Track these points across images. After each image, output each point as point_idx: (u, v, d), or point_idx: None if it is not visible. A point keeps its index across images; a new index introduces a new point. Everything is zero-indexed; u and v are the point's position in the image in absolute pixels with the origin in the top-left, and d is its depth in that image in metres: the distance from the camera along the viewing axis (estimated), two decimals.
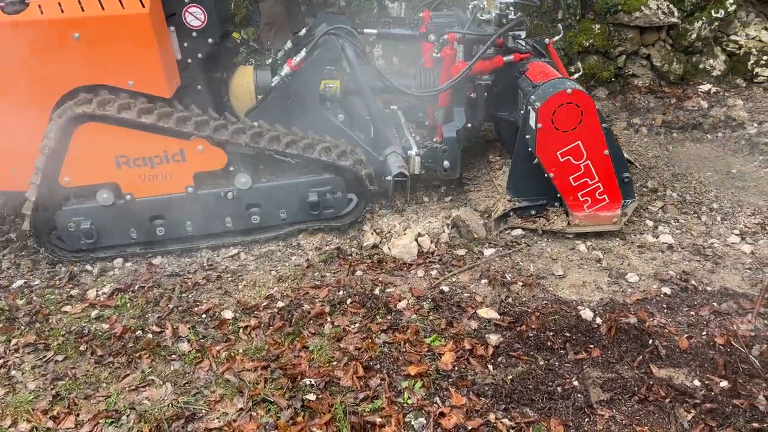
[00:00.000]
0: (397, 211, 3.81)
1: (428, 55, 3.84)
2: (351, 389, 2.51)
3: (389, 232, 3.53)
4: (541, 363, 2.64)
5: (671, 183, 4.17)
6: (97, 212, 3.31)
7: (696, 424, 2.33)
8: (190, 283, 3.26)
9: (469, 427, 2.32)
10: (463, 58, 3.57)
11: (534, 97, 3.35)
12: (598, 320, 2.89)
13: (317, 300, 3.07)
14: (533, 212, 3.65)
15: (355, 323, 2.90)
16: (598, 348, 2.72)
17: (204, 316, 3.01)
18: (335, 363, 2.66)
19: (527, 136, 3.44)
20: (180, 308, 3.07)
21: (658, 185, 4.12)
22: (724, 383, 2.52)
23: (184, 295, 3.18)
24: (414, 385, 2.53)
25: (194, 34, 3.32)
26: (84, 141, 3.16)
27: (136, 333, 2.90)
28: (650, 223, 3.77)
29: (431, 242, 3.49)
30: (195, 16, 3.30)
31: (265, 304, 3.07)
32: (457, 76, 3.47)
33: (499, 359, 2.66)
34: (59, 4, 3.00)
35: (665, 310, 2.99)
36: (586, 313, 2.92)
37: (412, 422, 2.36)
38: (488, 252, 3.46)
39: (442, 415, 2.37)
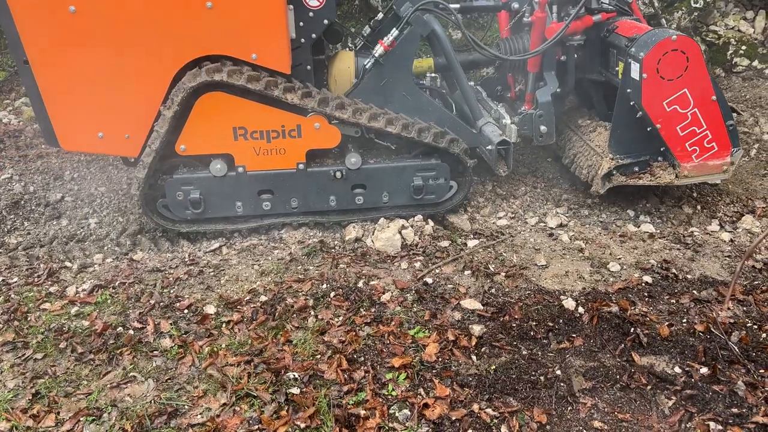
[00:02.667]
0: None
1: (506, 26, 3.93)
2: (335, 382, 2.50)
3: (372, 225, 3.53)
4: (524, 353, 2.66)
5: None
6: (208, 183, 3.34)
7: (676, 410, 2.36)
8: (171, 279, 3.22)
9: (453, 418, 2.32)
10: (557, 20, 3.62)
11: (635, 49, 3.31)
12: (581, 309, 2.91)
13: (300, 293, 3.05)
14: (636, 169, 3.60)
15: (339, 316, 2.89)
16: (580, 337, 2.74)
17: (186, 311, 2.98)
18: (319, 356, 2.65)
19: (628, 90, 3.40)
20: (162, 304, 3.03)
21: None
22: (704, 370, 2.55)
23: (165, 290, 3.14)
24: (398, 377, 2.52)
25: (311, 14, 3.31)
26: (207, 109, 3.19)
27: (117, 329, 2.87)
28: (631, 213, 3.80)
29: (415, 234, 3.49)
30: None
31: (247, 298, 3.04)
32: (555, 34, 3.49)
33: (483, 349, 2.67)
34: None
35: (646, 299, 3.02)
36: (569, 303, 2.94)
37: (397, 414, 2.36)
38: (472, 243, 3.47)
39: (426, 406, 2.37)
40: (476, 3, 3.98)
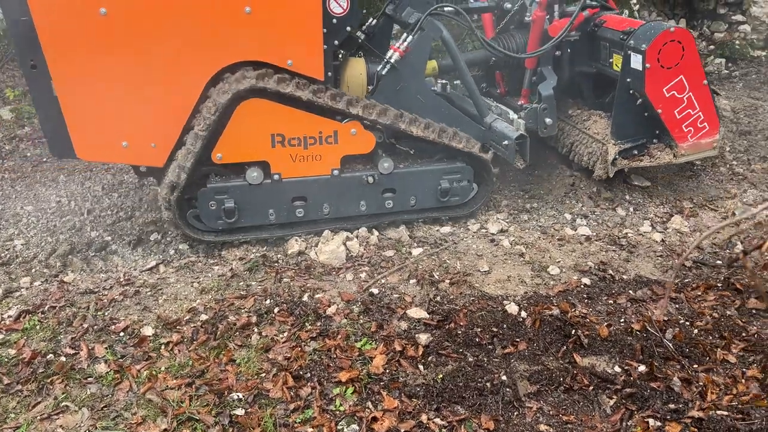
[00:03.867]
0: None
1: (491, 26, 4.17)
2: (281, 401, 2.45)
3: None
4: (470, 360, 2.67)
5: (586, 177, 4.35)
6: (243, 191, 3.28)
7: (617, 408, 2.42)
8: (106, 300, 3.08)
9: (402, 430, 2.31)
10: (558, 17, 3.89)
11: (634, 41, 3.58)
12: (524, 314, 2.96)
13: (243, 310, 2.98)
14: (636, 152, 3.86)
15: (284, 332, 2.83)
16: (524, 341, 2.78)
17: (122, 334, 2.86)
18: (264, 375, 2.58)
19: (628, 80, 3.66)
20: (96, 327, 2.89)
21: (575, 180, 4.28)
22: (642, 368, 2.63)
23: (99, 313, 3.00)
24: (345, 392, 2.49)
25: (335, 20, 3.28)
26: (247, 116, 3.14)
27: (47, 357, 2.71)
28: (568, 216, 3.91)
29: (360, 245, 3.47)
30: (339, 3, 3.28)
31: (187, 317, 2.94)
32: (563, 30, 3.74)
33: (430, 359, 2.67)
34: None
35: (586, 300, 3.10)
36: (512, 308, 2.98)
37: (345, 430, 2.32)
38: (416, 252, 3.47)
39: (374, 419, 2.35)
40: (471, 5, 4.12)
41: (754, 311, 2.99)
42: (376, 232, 3.60)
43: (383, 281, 3.22)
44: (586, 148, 4.00)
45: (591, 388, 2.52)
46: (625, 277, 3.30)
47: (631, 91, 3.70)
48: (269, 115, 3.18)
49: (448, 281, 3.21)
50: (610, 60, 3.83)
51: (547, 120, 3.83)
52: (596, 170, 3.90)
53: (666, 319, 2.93)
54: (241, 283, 3.20)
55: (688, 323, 2.91)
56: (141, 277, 3.29)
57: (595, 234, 3.72)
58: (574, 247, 3.57)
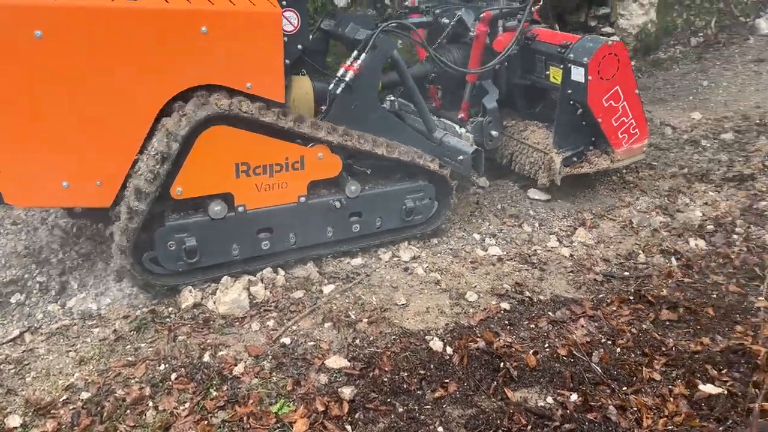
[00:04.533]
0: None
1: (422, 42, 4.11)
2: None
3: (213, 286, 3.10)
4: (401, 410, 2.45)
5: (490, 194, 4.30)
6: (205, 227, 3.00)
7: None
8: None
9: None
10: (502, 31, 4.03)
11: (574, 55, 3.78)
12: (449, 350, 2.78)
13: (133, 381, 2.55)
14: (575, 159, 4.05)
15: (185, 403, 2.44)
16: (453, 381, 2.61)
17: None
18: None
19: (569, 91, 3.86)
20: None
21: (479, 197, 4.21)
22: (574, 396, 2.54)
23: None
24: None
25: (285, 39, 3.08)
26: (209, 146, 2.88)
27: None
28: (477, 237, 3.82)
29: (265, 289, 3.13)
30: (289, 21, 3.18)
31: (64, 397, 2.47)
32: (511, 43, 3.91)
33: (357, 416, 2.41)
34: None
35: (508, 327, 2.99)
36: (436, 344, 2.80)
37: None
38: (327, 289, 3.20)
39: None
40: (412, 20, 4.16)
41: (667, 323, 3.02)
42: (282, 272, 3.28)
43: (294, 328, 2.92)
44: (527, 157, 4.15)
45: (530, 427, 2.38)
46: (542, 297, 3.23)
47: (572, 102, 3.90)
48: (234, 143, 2.95)
49: (365, 320, 2.97)
50: (547, 72, 4.01)
51: (493, 132, 4.02)
52: (540, 179, 4.07)
53: (588, 339, 2.89)
54: (128, 347, 2.76)
55: (610, 342, 2.88)
56: (1, 352, 2.74)
57: (505, 253, 3.65)
58: (488, 269, 3.47)
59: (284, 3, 3.11)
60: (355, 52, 3.38)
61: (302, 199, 3.21)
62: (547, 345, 2.86)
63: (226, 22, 2.80)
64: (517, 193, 4.27)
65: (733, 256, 3.58)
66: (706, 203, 4.19)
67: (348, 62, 3.36)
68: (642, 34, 6.90)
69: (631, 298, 3.22)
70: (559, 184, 4.03)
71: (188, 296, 3.02)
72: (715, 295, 3.24)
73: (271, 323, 2.93)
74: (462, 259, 3.57)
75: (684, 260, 3.58)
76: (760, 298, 3.22)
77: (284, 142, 3.08)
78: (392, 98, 3.88)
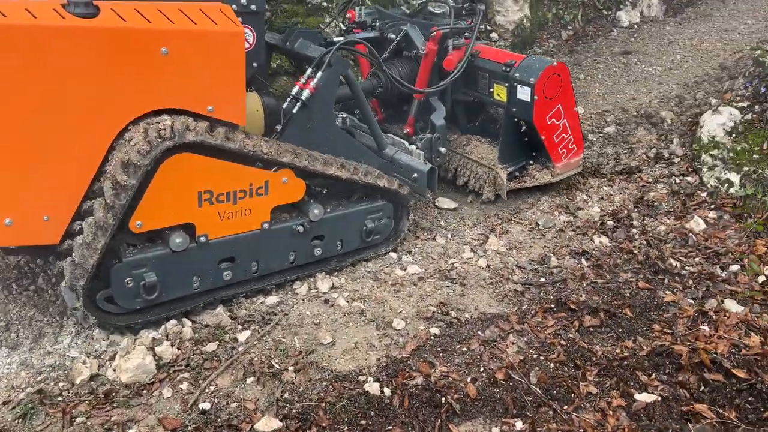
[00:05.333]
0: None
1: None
2: None
3: (110, 351, 2.70)
4: None
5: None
6: (165, 260, 2.83)
7: None
8: None
9: None
10: (451, 50, 4.05)
11: (520, 74, 3.87)
12: (387, 391, 2.62)
13: None
14: (517, 174, 4.18)
15: None
16: (397, 427, 2.45)
17: None
18: None
19: (514, 110, 3.95)
20: None
21: None
22: (519, 424, 2.49)
23: None
24: None
25: None
26: (172, 175, 2.70)
27: None
28: (394, 255, 3.68)
29: (172, 346, 2.78)
30: (245, 38, 2.94)
31: None
32: (463, 62, 3.97)
33: None
34: (139, 12, 2.55)
35: (441, 354, 2.88)
36: (373, 387, 2.62)
37: None
38: (243, 336, 2.91)
39: None
40: (360, 35, 4.12)
41: (591, 329, 3.07)
42: (188, 323, 2.94)
43: (212, 388, 2.61)
44: (472, 172, 4.23)
45: None
46: (468, 316, 3.16)
47: (516, 120, 3.99)
48: (197, 170, 2.79)
49: (291, 368, 2.72)
50: (491, 90, 4.10)
51: (441, 149, 4.02)
52: (484, 194, 4.17)
53: (522, 358, 2.85)
54: None
55: (543, 357, 2.86)
56: None
57: (424, 270, 3.54)
58: (410, 290, 3.35)
59: (240, 20, 2.91)
60: (309, 70, 3.29)
61: (265, 226, 3.10)
62: (483, 370, 2.79)
63: (187, 43, 2.64)
64: (425, 204, 4.19)
65: (635, 251, 3.74)
66: (602, 198, 4.36)
67: (303, 80, 3.26)
68: (518, 30, 7.10)
69: (553, 306, 3.24)
70: (506, 199, 4.14)
71: (82, 368, 2.59)
72: (628, 294, 3.35)
73: (184, 386, 2.60)
74: (383, 282, 3.41)
75: (593, 260, 3.67)
76: (668, 292, 3.37)
77: (248, 168, 2.97)
78: (344, 115, 3.72)
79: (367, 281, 3.41)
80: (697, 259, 3.68)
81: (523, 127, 4.06)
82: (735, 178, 4.13)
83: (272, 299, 3.18)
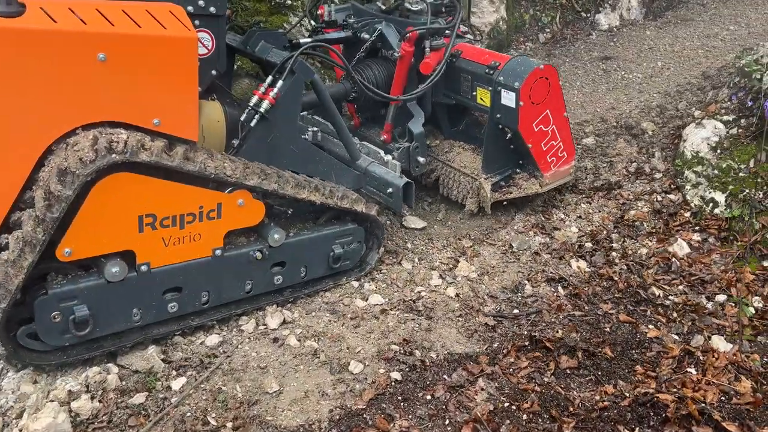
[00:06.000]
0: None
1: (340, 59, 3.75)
2: None
3: (17, 408, 2.33)
4: None
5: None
6: (99, 292, 2.56)
7: None
8: None
9: None
10: (429, 51, 3.69)
11: (504, 78, 3.55)
12: None
13: None
14: (503, 183, 3.87)
15: None
16: None
17: None
18: None
19: (498, 116, 3.64)
20: None
21: None
22: None
23: None
24: None
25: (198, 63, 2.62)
26: (107, 197, 2.43)
27: None
28: (356, 283, 3.35)
29: (92, 399, 2.42)
30: (203, 43, 2.80)
31: None
32: (441, 66, 3.65)
33: None
34: (73, 11, 2.26)
35: (402, 404, 2.57)
36: None
37: None
38: (177, 384, 2.57)
39: None
40: (330, 36, 3.81)
41: (568, 371, 2.79)
42: (114, 370, 2.59)
43: None
44: (455, 182, 3.95)
45: None
46: (433, 356, 2.86)
47: (500, 126, 3.70)
48: (138, 192, 2.49)
49: (230, 425, 2.39)
50: (473, 93, 3.76)
51: (420, 159, 3.77)
52: (468, 205, 3.88)
53: (491, 407, 2.55)
54: None
55: (515, 407, 2.57)
56: None
57: (388, 300, 3.23)
58: (371, 325, 3.03)
59: (197, 23, 2.73)
60: (270, 78, 2.99)
61: (218, 252, 2.81)
62: (448, 423, 2.49)
63: (129, 48, 2.35)
64: (391, 223, 3.86)
65: (616, 278, 3.47)
66: (580, 217, 4.08)
67: (262, 89, 2.95)
68: (494, 32, 6.81)
69: (527, 344, 2.95)
70: (489, 212, 3.85)
71: None
72: (608, 329, 3.07)
73: None
74: (341, 315, 3.09)
75: (571, 288, 3.39)
76: (650, 326, 3.10)
77: (198, 189, 2.67)
78: (315, 129, 3.38)
79: (324, 315, 3.09)
80: (681, 287, 3.42)
81: (509, 134, 3.76)
82: (720, 197, 3.88)
83: (214, 338, 2.84)
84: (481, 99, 3.75)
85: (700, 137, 4.23)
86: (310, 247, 3.12)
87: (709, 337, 3.01)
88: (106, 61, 2.31)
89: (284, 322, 3.00)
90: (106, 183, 2.38)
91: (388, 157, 3.53)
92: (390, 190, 3.29)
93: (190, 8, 2.70)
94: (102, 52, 2.29)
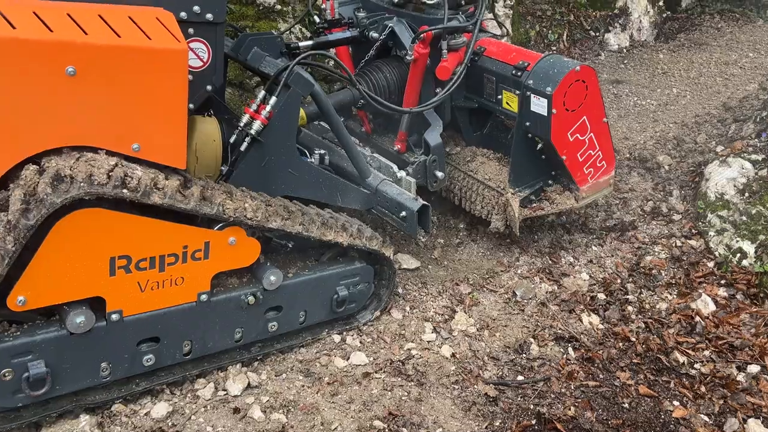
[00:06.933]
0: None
1: (348, 60, 3.53)
2: None
3: None
4: None
5: None
6: (61, 345, 2.18)
7: None
8: None
9: None
10: (446, 53, 3.24)
11: (534, 82, 3.11)
12: None
13: None
14: (533, 197, 3.46)
15: None
16: None
17: None
18: None
19: (527, 123, 3.22)
20: None
21: None
22: None
23: None
24: None
25: (190, 77, 2.32)
26: (70, 237, 2.06)
27: None
28: (337, 337, 2.90)
29: None
30: (197, 54, 2.48)
31: None
32: (461, 71, 3.22)
33: None
34: (38, 16, 1.94)
35: None
36: None
37: None
38: None
39: None
40: (331, 37, 3.42)
41: None
42: None
43: None
44: (479, 196, 3.51)
45: None
46: None
47: (530, 135, 3.28)
48: (109, 231, 2.15)
49: None
50: (499, 97, 3.33)
51: (438, 173, 3.34)
52: (493, 222, 3.44)
53: None
54: None
55: None
56: None
57: (373, 360, 2.79)
58: (351, 393, 2.58)
59: (191, 31, 2.41)
60: (262, 93, 2.66)
61: (204, 297, 2.44)
62: None
63: (104, 61, 2.02)
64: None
65: (633, 338, 3.05)
66: (590, 261, 3.66)
67: (253, 107, 2.63)
68: None
69: (534, 423, 2.51)
70: (518, 234, 3.42)
71: None
72: (627, 404, 2.65)
73: None
74: (316, 378, 2.64)
75: (583, 350, 2.97)
76: (675, 402, 2.68)
77: (182, 226, 2.31)
78: (321, 152, 3.01)
79: (296, 377, 2.64)
80: (707, 353, 3.00)
81: (540, 144, 3.33)
82: (749, 248, 3.48)
83: (161, 408, 2.37)
84: (508, 103, 3.32)
85: (725, 177, 3.83)
86: (311, 290, 2.76)
87: (745, 420, 2.59)
88: (76, 75, 1.99)
89: (249, 386, 2.54)
90: (68, 222, 2.04)
91: (402, 174, 3.16)
92: (403, 213, 2.91)
93: (183, 14, 2.37)
94: (71, 65, 1.97)
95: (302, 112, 3.08)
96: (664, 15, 7.49)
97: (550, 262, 3.62)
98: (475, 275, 3.48)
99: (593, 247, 3.78)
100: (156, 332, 2.38)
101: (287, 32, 4.38)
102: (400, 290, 3.26)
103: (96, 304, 2.23)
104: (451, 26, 3.21)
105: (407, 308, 3.16)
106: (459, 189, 3.63)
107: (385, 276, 3.03)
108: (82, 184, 1.98)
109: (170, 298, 2.36)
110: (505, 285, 3.42)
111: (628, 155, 4.63)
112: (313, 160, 3.00)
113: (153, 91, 2.14)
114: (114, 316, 2.26)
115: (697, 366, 2.91)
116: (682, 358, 2.94)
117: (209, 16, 2.44)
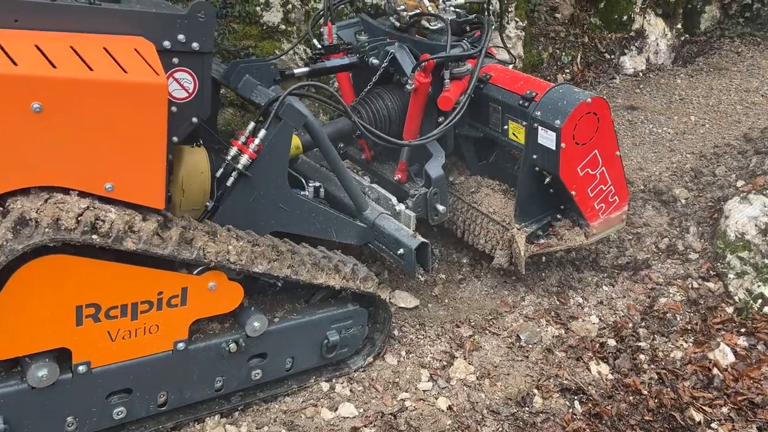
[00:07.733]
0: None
1: (349, 87, 3.48)
2: None
3: None
4: None
5: None
6: (21, 400, 2.04)
7: None
8: None
9: None
10: (449, 82, 3.10)
11: (541, 113, 2.94)
12: None
13: None
14: (540, 233, 3.28)
15: None
16: None
17: None
18: None
19: (535, 156, 3.05)
20: None
21: None
22: None
23: None
24: None
25: (174, 109, 2.29)
26: (33, 285, 1.93)
27: None
28: (325, 385, 2.72)
29: None
30: (182, 84, 2.33)
31: None
32: (464, 101, 3.05)
33: None
34: (2, 48, 1.83)
35: None
36: None
37: None
38: None
39: None
40: (328, 64, 3.30)
41: None
42: None
43: None
44: (482, 229, 3.36)
45: None
46: None
47: (536, 168, 3.12)
48: (76, 278, 2.00)
49: None
50: (505, 127, 3.17)
51: (439, 207, 3.20)
52: (497, 258, 3.27)
53: None
54: None
55: None
56: None
57: (362, 412, 2.60)
58: None
59: (176, 61, 2.27)
60: (252, 125, 2.53)
61: (180, 345, 2.29)
62: None
63: (73, 97, 1.90)
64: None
65: (645, 391, 2.84)
66: (601, 302, 3.45)
67: (242, 139, 2.50)
68: None
69: None
70: (523, 272, 3.24)
71: None
72: None
73: None
74: None
75: (590, 404, 2.76)
76: None
77: (157, 271, 2.16)
78: (317, 184, 2.90)
79: (279, 430, 2.45)
80: (725, 410, 2.79)
81: (548, 178, 3.16)
82: None
83: None
84: (514, 134, 3.15)
85: (746, 216, 3.61)
86: (299, 335, 2.59)
87: None
88: (42, 112, 1.87)
89: None
90: (30, 270, 1.91)
91: (401, 207, 3.01)
92: (401, 251, 2.76)
93: (166, 43, 2.22)
94: (37, 101, 1.85)
95: (298, 141, 2.95)
96: (683, 38, 7.27)
97: (557, 302, 3.42)
98: (477, 316, 3.28)
99: (604, 287, 3.57)
100: (128, 384, 2.23)
101: (289, 53, 4.25)
102: (396, 332, 3.08)
103: (62, 355, 2.08)
104: (454, 55, 3.05)
105: (403, 353, 2.97)
106: (462, 221, 3.46)
107: (380, 319, 2.85)
108: (47, 229, 1.84)
109: (144, 347, 2.21)
110: (509, 327, 3.22)
111: (642, 187, 4.42)
112: (306, 193, 2.85)
113: (128, 128, 2.00)
114: (81, 368, 2.11)
115: (714, 425, 2.70)
116: (698, 416, 2.72)
117: (195, 45, 2.30)
